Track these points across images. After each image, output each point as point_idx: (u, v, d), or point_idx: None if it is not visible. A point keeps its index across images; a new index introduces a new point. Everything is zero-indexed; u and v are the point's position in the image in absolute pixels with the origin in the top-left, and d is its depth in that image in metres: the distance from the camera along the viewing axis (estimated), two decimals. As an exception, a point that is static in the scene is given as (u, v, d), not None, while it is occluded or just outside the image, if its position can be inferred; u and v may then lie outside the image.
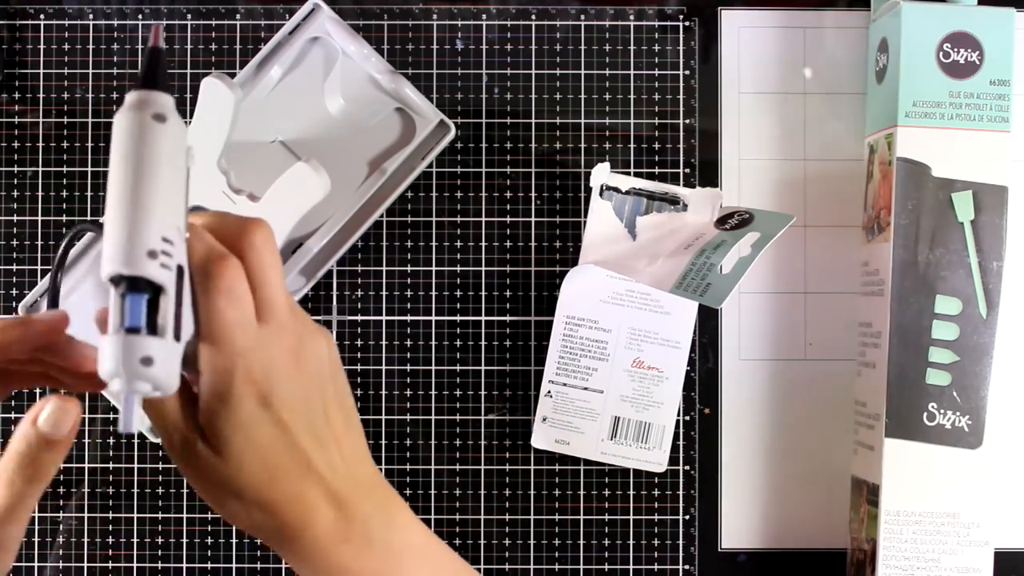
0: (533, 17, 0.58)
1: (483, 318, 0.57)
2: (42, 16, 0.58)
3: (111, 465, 0.57)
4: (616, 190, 0.55)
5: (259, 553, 0.57)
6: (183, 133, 0.36)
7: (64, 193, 0.58)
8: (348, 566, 0.39)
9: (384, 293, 0.58)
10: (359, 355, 0.57)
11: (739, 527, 0.57)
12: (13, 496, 0.36)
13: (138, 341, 0.34)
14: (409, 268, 0.58)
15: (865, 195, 0.56)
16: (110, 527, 0.57)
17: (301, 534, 0.38)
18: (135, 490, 0.57)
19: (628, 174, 0.56)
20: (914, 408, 0.52)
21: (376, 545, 0.39)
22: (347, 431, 0.40)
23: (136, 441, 0.57)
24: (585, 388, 0.54)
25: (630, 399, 0.54)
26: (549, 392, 0.55)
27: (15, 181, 0.58)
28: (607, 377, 0.54)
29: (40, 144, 0.58)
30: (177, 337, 0.35)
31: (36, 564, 0.57)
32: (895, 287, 0.52)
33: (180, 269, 0.35)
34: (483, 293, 0.57)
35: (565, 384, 0.54)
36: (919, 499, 0.52)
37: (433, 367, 0.57)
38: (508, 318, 0.57)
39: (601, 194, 0.55)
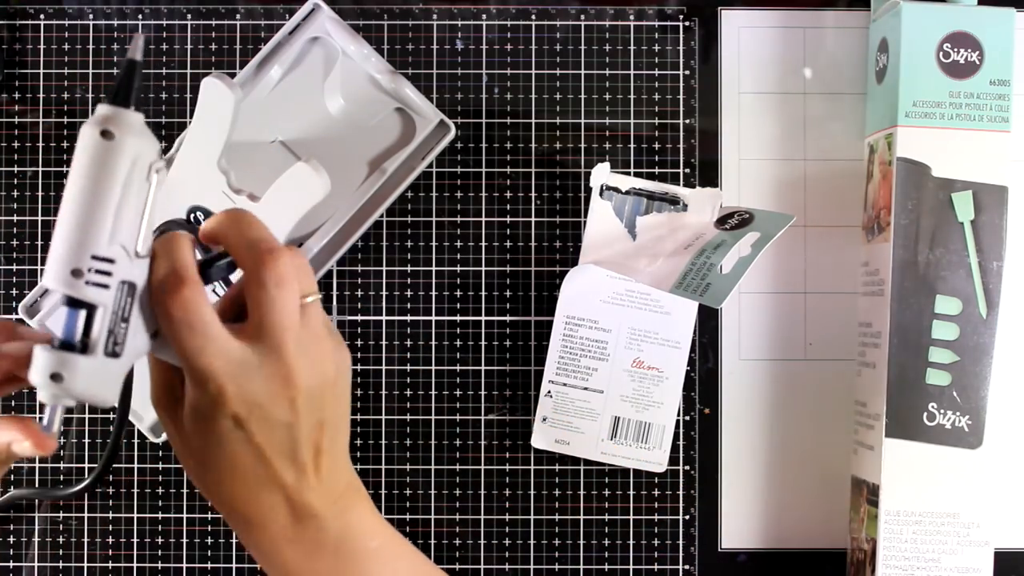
0: (533, 17, 0.58)
1: (483, 318, 0.57)
2: (42, 16, 0.58)
3: (111, 465, 0.57)
4: (616, 190, 0.55)
5: (259, 553, 0.57)
6: (141, 150, 0.36)
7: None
8: (299, 565, 0.41)
9: (384, 293, 0.58)
10: (359, 355, 0.57)
11: (739, 527, 0.57)
12: None
13: (49, 356, 0.35)
14: (409, 268, 0.58)
15: (865, 195, 0.56)
16: (110, 527, 0.57)
17: (257, 530, 0.40)
18: (135, 490, 0.57)
19: (628, 174, 0.56)
20: (914, 408, 0.52)
21: (328, 548, 0.41)
22: (330, 447, 0.41)
23: (136, 441, 0.57)
24: (585, 388, 0.54)
25: (630, 399, 0.54)
26: (549, 392, 0.55)
27: (15, 181, 0.58)
28: (607, 377, 0.54)
29: (40, 144, 0.58)
30: (114, 354, 0.36)
31: (36, 564, 0.57)
32: (895, 287, 0.52)
33: (129, 286, 0.36)
34: (483, 293, 0.57)
35: (565, 384, 0.54)
36: (919, 499, 0.52)
37: (433, 367, 0.57)
38: (508, 318, 0.57)
39: (601, 194, 0.55)
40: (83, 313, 0.36)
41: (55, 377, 0.35)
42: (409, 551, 0.45)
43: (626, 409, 0.54)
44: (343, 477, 0.42)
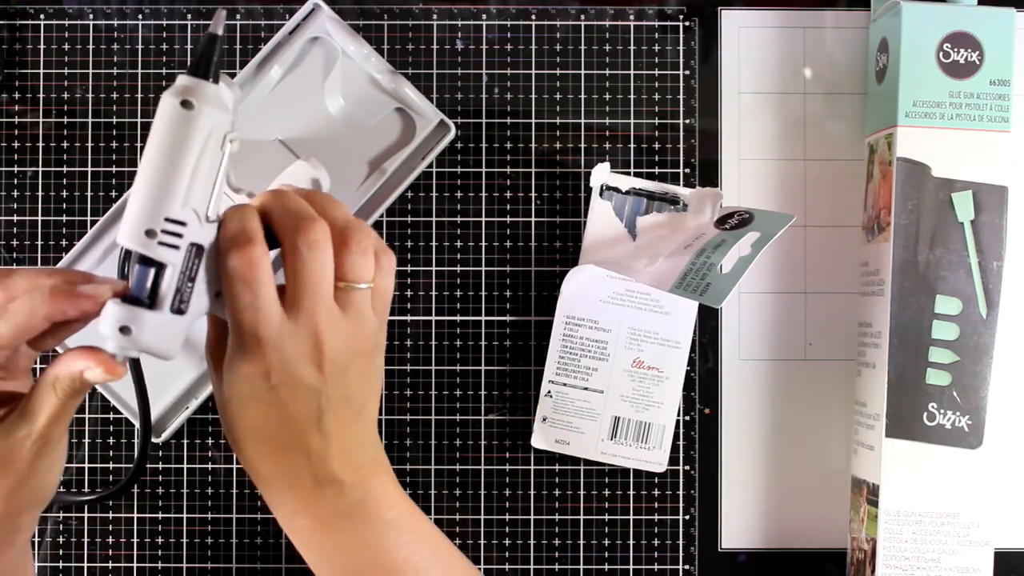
0: (533, 17, 0.58)
1: (483, 318, 0.57)
2: (42, 16, 0.58)
3: (111, 465, 0.57)
4: (616, 190, 0.55)
5: (259, 553, 0.57)
6: (218, 121, 0.38)
7: (64, 193, 0.58)
8: (315, 529, 0.42)
9: (384, 293, 0.58)
10: (359, 355, 0.57)
11: (739, 527, 0.57)
12: (58, 409, 0.38)
13: (119, 310, 0.38)
14: (409, 268, 0.58)
15: (865, 195, 0.56)
16: (110, 527, 0.57)
17: (277, 490, 0.42)
18: (135, 490, 0.57)
19: (628, 174, 0.56)
20: (914, 408, 0.52)
21: (345, 514, 0.42)
22: (356, 419, 0.42)
23: (136, 441, 0.57)
24: (585, 388, 0.54)
25: (630, 399, 0.54)
26: (549, 392, 0.55)
27: (15, 181, 0.58)
28: (607, 377, 0.54)
29: (40, 144, 0.58)
30: (179, 311, 0.38)
31: (36, 564, 0.57)
32: (895, 287, 0.52)
33: (197, 248, 0.38)
34: (483, 293, 0.57)
35: (565, 384, 0.54)
36: (919, 499, 0.52)
37: (433, 367, 0.57)
38: (508, 318, 0.57)
39: (601, 194, 0.55)
40: (153, 271, 0.38)
41: (124, 330, 0.37)
42: (427, 526, 0.45)
43: (626, 409, 0.54)
44: (368, 451, 0.43)
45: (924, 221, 0.52)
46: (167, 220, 0.38)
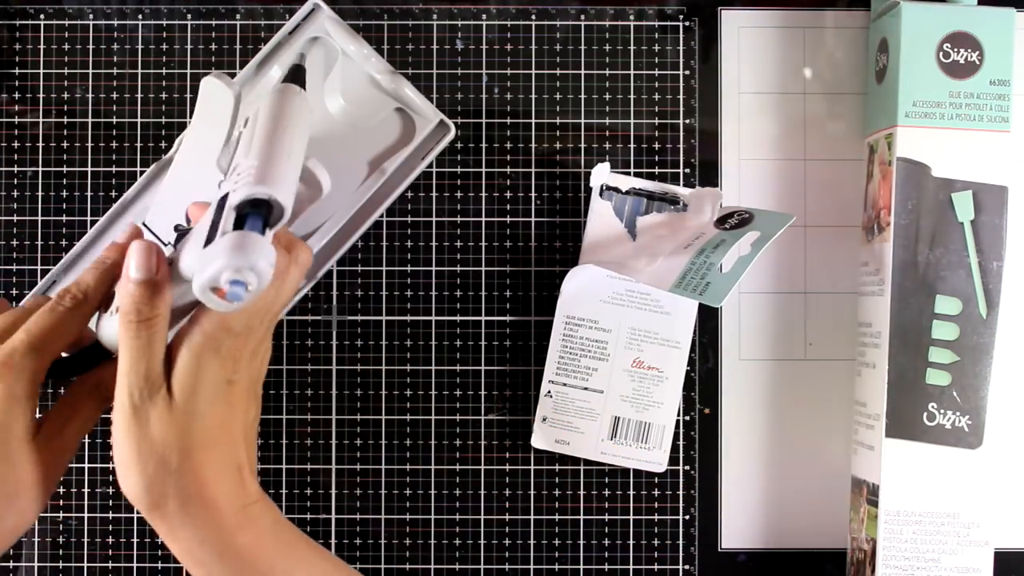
0: (533, 17, 0.58)
1: (483, 318, 0.57)
2: (42, 16, 0.58)
3: (111, 465, 0.57)
4: (616, 190, 0.55)
5: (259, 553, 0.57)
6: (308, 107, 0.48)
7: (64, 193, 0.58)
8: (252, 549, 0.43)
9: (384, 293, 0.58)
10: (359, 355, 0.57)
11: (739, 527, 0.57)
12: (141, 343, 0.41)
13: (256, 240, 0.39)
14: (409, 268, 0.58)
15: (865, 195, 0.56)
16: (110, 527, 0.57)
17: (216, 514, 0.42)
18: (135, 490, 0.57)
19: (628, 174, 0.56)
20: (914, 408, 0.52)
21: (269, 531, 0.44)
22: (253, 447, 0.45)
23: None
24: (585, 388, 0.54)
25: (630, 399, 0.54)
26: (549, 392, 0.55)
27: (15, 181, 0.58)
28: (607, 377, 0.54)
29: (40, 144, 0.58)
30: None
31: (36, 564, 0.57)
32: (895, 287, 0.52)
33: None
34: (483, 293, 0.57)
35: (565, 384, 0.54)
36: (919, 499, 0.52)
37: (433, 367, 0.57)
38: (508, 318, 0.57)
39: (601, 194, 0.55)
40: (261, 219, 0.41)
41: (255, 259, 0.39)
42: (314, 546, 0.47)
43: (626, 409, 0.54)
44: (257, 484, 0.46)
45: (924, 221, 0.52)
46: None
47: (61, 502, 0.57)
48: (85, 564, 0.57)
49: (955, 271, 0.52)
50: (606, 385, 0.54)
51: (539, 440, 0.56)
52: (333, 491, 0.57)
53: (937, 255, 0.52)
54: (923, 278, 0.52)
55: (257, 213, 0.41)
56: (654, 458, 0.55)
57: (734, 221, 0.52)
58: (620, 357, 0.54)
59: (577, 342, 0.55)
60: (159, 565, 0.57)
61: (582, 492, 0.57)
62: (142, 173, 0.56)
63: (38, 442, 0.42)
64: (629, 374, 0.54)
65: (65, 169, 0.58)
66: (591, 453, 0.55)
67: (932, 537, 0.52)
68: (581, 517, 0.57)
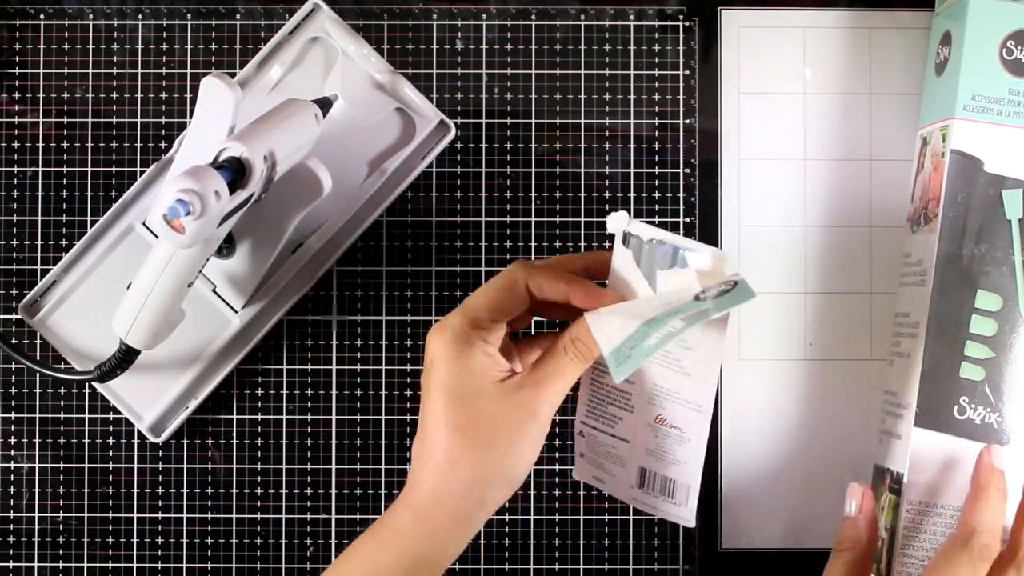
0: (533, 17, 0.58)
1: (483, 318, 0.57)
2: (42, 16, 0.58)
3: (111, 465, 0.57)
4: (637, 238, 0.47)
5: (259, 553, 0.57)
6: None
7: (64, 193, 0.58)
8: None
9: (384, 293, 0.58)
10: (359, 355, 0.57)
11: (739, 527, 0.57)
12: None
13: (209, 172, 0.44)
14: (409, 268, 0.58)
15: (913, 186, 0.56)
16: (110, 527, 0.57)
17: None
18: (135, 490, 0.57)
19: (651, 222, 0.48)
20: (945, 400, 0.51)
21: None
22: None
23: (136, 441, 0.57)
24: (612, 435, 0.50)
25: (654, 454, 0.50)
26: (581, 432, 0.51)
27: (15, 181, 0.58)
28: (632, 428, 0.49)
29: (40, 144, 0.58)
30: None
31: (36, 564, 0.57)
32: (937, 278, 0.52)
33: None
34: (483, 293, 0.57)
35: (595, 428, 0.51)
36: (942, 491, 0.51)
37: (433, 367, 0.57)
38: (508, 318, 0.57)
39: (625, 242, 0.47)
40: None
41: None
42: None
43: (652, 462, 0.50)
44: None
45: (972, 215, 0.52)
46: None
47: (61, 502, 0.57)
48: (85, 564, 0.57)
49: (999, 268, 0.52)
50: (631, 436, 0.50)
51: (580, 473, 0.52)
52: (333, 491, 0.57)
53: (982, 250, 0.52)
54: (966, 272, 0.52)
55: (228, 167, 0.45)
56: (681, 513, 0.51)
57: (716, 291, 0.45)
58: (644, 411, 0.49)
59: (604, 389, 0.50)
60: (159, 565, 0.57)
61: (582, 492, 0.57)
62: (142, 173, 0.56)
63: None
64: (652, 429, 0.48)
65: (65, 169, 0.58)
66: (624, 496, 0.51)
67: (951, 530, 0.51)
68: (581, 517, 0.57)
